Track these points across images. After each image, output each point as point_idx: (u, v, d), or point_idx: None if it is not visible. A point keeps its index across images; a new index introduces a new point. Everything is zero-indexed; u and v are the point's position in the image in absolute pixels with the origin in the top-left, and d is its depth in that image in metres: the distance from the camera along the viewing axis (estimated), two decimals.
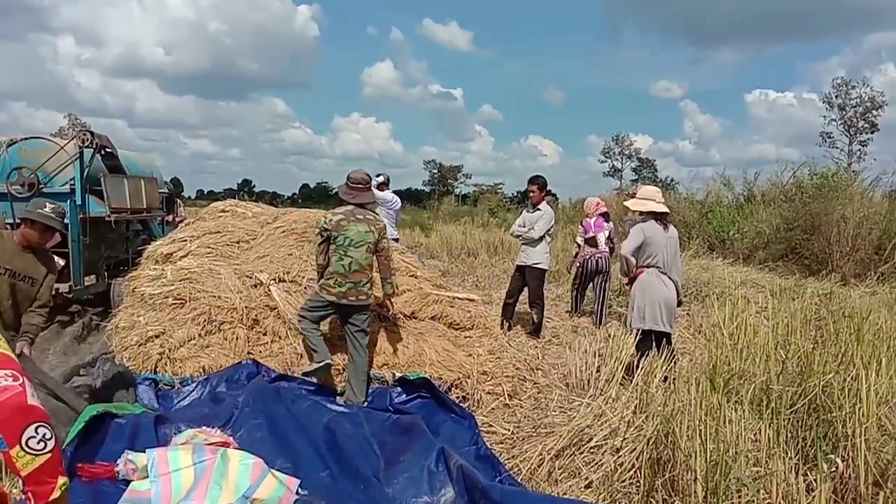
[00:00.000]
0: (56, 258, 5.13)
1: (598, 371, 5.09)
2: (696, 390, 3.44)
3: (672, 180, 53.50)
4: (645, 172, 72.23)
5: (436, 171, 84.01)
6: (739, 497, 2.89)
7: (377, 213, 4.93)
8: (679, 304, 5.61)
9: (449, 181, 79.61)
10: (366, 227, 4.78)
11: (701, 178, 28.83)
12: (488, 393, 5.14)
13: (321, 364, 4.83)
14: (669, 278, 5.34)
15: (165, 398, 4.70)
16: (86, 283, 7.74)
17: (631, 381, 4.38)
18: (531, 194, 7.38)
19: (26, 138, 7.81)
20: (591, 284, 8.54)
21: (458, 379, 5.20)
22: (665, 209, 5.42)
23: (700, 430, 3.12)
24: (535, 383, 5.47)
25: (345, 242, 4.71)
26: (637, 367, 4.43)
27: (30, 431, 1.90)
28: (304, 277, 5.75)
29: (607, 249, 8.40)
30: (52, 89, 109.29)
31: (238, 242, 6.41)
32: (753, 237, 14.36)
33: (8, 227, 6.43)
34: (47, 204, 4.27)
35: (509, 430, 4.55)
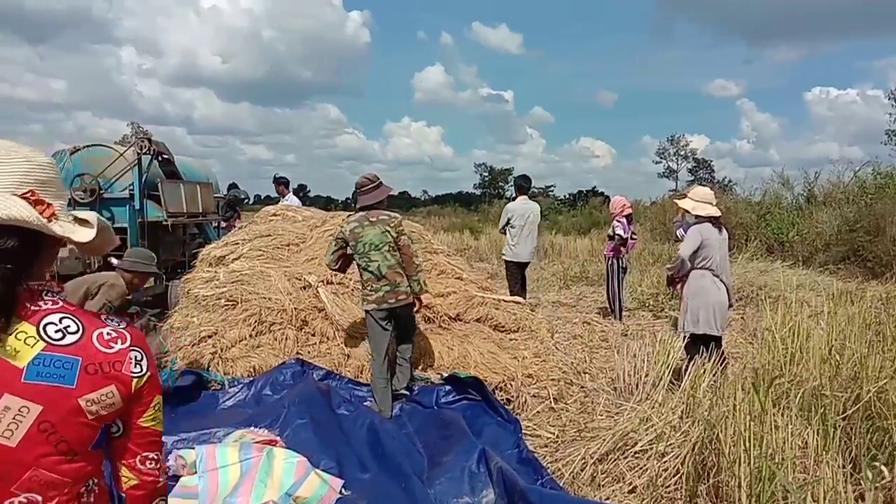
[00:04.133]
0: (114, 260, 5.37)
1: (646, 375, 5.01)
2: (741, 395, 3.36)
3: (729, 181, 52.13)
4: (701, 173, 70.90)
5: (486, 174, 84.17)
6: None
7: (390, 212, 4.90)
8: (730, 306, 5.48)
9: (499, 184, 79.56)
10: (381, 229, 4.69)
11: (756, 177, 28.03)
12: (533, 396, 5.09)
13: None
14: (722, 281, 5.23)
15: (212, 398, 4.82)
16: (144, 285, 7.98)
17: (679, 386, 4.30)
18: None
19: (87, 146, 8.13)
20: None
21: (503, 381, 5.16)
22: (719, 212, 5.33)
23: (745, 436, 3.05)
24: (581, 387, 5.41)
25: (364, 249, 4.66)
26: (686, 371, 4.35)
27: None
28: (351, 279, 5.83)
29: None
30: (116, 99, 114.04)
31: (288, 245, 6.56)
32: (813, 239, 13.92)
33: (77, 258, 6.64)
34: (141, 254, 5.13)
35: (554, 433, 4.52)
